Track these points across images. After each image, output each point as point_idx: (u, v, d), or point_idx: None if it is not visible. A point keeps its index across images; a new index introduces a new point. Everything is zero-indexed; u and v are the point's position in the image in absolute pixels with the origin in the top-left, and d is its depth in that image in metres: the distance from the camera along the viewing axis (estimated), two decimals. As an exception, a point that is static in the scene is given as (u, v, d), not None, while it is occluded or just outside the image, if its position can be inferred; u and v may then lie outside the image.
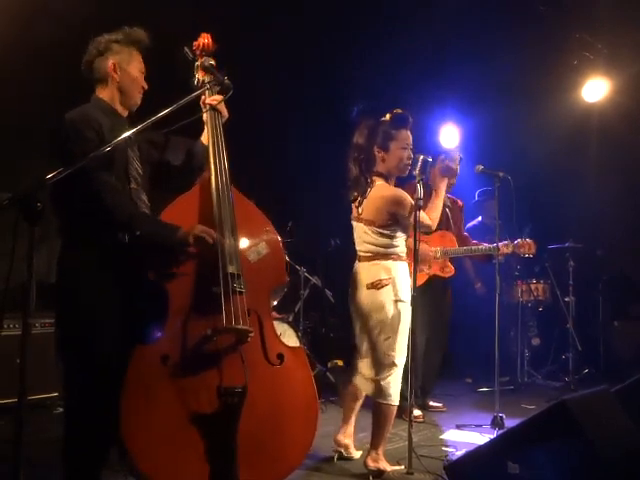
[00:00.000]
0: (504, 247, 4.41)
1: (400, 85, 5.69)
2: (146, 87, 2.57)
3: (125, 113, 2.53)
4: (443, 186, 3.43)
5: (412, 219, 3.15)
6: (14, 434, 1.67)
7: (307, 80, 5.80)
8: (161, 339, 2.36)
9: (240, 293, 2.42)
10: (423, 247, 4.12)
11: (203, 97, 2.69)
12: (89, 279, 2.30)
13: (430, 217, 3.28)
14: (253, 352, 2.45)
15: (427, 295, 4.29)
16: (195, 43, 2.78)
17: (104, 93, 2.48)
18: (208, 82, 2.65)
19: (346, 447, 3.46)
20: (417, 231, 3.15)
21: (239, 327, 2.37)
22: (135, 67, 2.51)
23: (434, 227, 3.35)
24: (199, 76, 2.75)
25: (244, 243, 2.57)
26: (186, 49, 2.73)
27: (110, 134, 2.32)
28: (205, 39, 2.77)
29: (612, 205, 6.13)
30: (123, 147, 2.39)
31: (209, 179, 2.56)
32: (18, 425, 1.68)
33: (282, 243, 5.08)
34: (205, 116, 2.68)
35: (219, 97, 2.66)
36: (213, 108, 2.66)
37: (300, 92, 5.81)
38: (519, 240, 4.52)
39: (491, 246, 4.46)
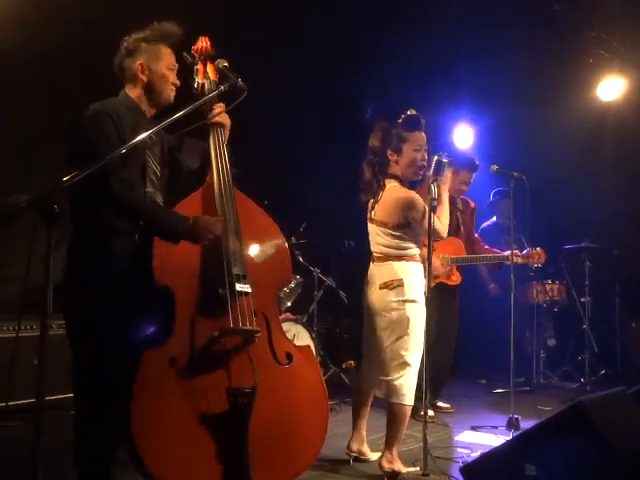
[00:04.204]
0: (514, 257, 4.32)
1: (413, 85, 5.68)
2: (178, 83, 2.55)
3: (152, 112, 2.53)
4: (444, 192, 3.34)
5: (425, 222, 3.13)
6: (33, 435, 1.68)
7: (321, 80, 5.80)
8: (168, 342, 2.35)
9: (246, 294, 2.43)
10: (433, 260, 4.07)
11: (204, 107, 2.62)
12: (98, 275, 2.29)
13: (441, 222, 3.23)
14: (261, 352, 2.45)
15: (433, 301, 4.25)
16: (194, 47, 2.78)
17: (132, 92, 2.50)
18: (220, 84, 2.64)
19: (360, 452, 3.45)
20: (431, 232, 3.13)
21: (246, 328, 2.38)
22: (163, 64, 2.50)
23: (445, 234, 3.29)
24: (199, 79, 2.73)
25: (249, 243, 2.57)
26: (185, 54, 2.73)
27: (132, 130, 2.33)
28: (204, 42, 2.77)
29: (628, 205, 6.07)
30: (141, 148, 2.39)
31: (211, 182, 2.57)
32: (37, 425, 1.69)
33: (296, 244, 5.15)
34: (208, 126, 2.64)
35: (222, 110, 2.63)
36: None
37: (313, 92, 5.82)
38: (529, 249, 4.50)
39: (500, 255, 4.47)
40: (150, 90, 2.49)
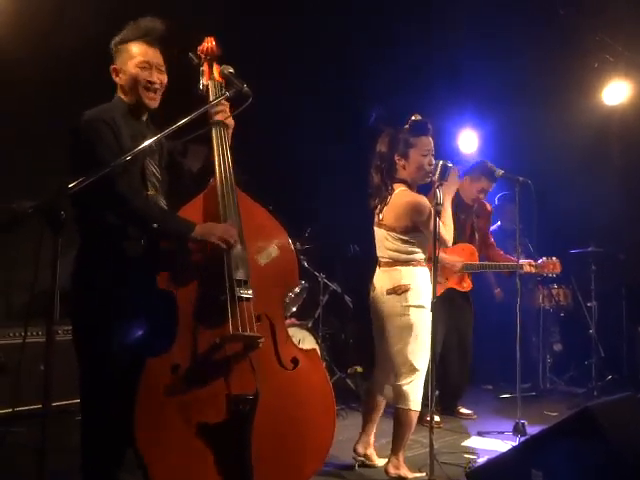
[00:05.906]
0: (528, 267, 4.37)
1: (417, 89, 5.68)
2: (153, 80, 2.40)
3: (144, 116, 2.50)
4: (447, 200, 3.32)
5: (431, 227, 3.12)
6: (39, 440, 1.68)
7: (325, 82, 5.81)
8: (171, 349, 2.34)
9: (247, 299, 2.41)
10: (441, 256, 4.05)
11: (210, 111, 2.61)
12: (103, 279, 2.30)
13: (445, 229, 3.20)
14: (266, 357, 2.44)
15: (444, 307, 4.24)
16: (200, 47, 2.76)
17: (123, 96, 2.47)
18: (225, 89, 2.64)
19: (367, 457, 3.44)
20: (436, 237, 3.13)
21: (247, 334, 2.36)
22: (132, 63, 2.38)
23: (450, 242, 3.28)
24: (204, 81, 2.72)
25: (253, 246, 2.54)
26: (191, 54, 2.71)
27: (129, 134, 2.33)
28: (209, 43, 2.76)
29: (634, 209, 6.05)
30: (139, 153, 2.38)
31: (214, 185, 2.55)
32: (43, 431, 1.69)
33: (301, 249, 5.15)
34: (210, 125, 2.61)
35: (226, 108, 2.63)
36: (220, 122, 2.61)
37: (317, 94, 5.82)
38: (543, 259, 4.45)
39: (513, 264, 4.37)
40: (126, 93, 2.43)
